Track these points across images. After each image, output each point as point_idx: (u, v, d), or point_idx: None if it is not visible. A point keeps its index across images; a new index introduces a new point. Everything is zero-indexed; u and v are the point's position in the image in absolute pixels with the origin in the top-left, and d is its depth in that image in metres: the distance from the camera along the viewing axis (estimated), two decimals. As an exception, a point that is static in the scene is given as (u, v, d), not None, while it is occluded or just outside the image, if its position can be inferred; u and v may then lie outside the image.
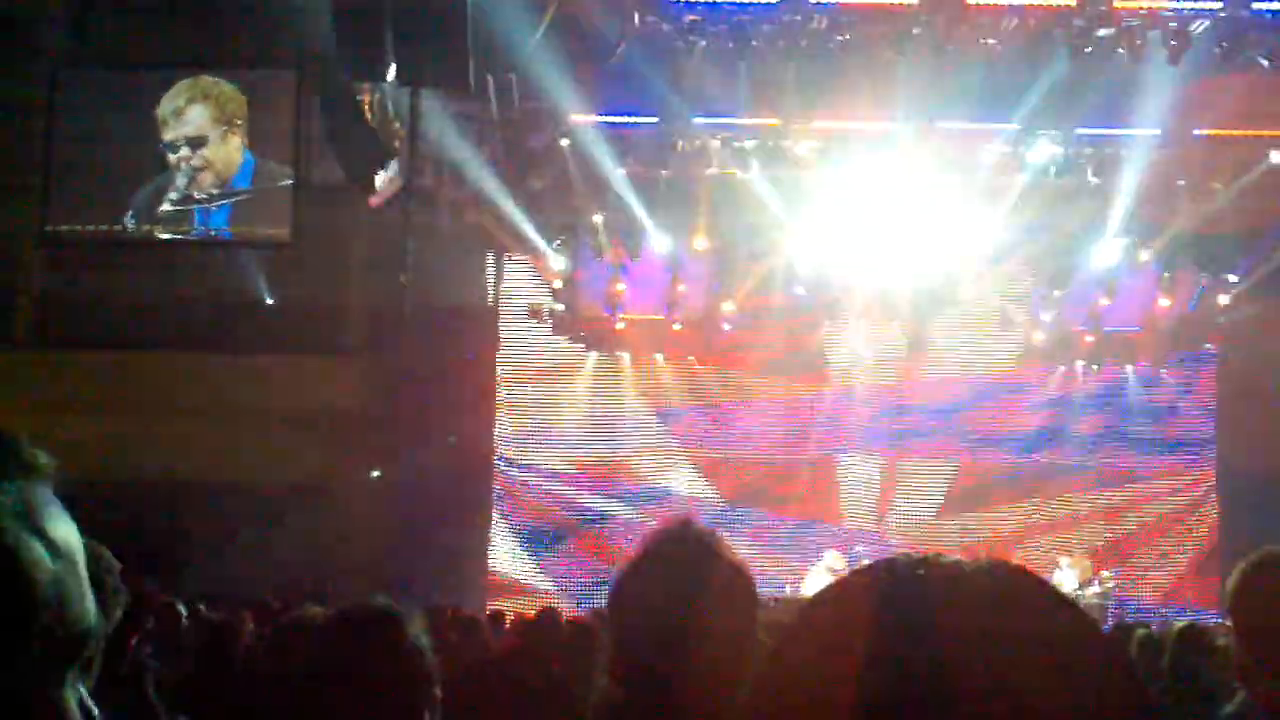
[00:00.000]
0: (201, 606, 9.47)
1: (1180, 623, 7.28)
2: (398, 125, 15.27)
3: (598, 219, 19.11)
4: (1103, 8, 14.86)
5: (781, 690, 0.83)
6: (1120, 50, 15.01)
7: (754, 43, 15.05)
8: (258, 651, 5.64)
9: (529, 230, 18.81)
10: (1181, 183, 18.41)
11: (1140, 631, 8.19)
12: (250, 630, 7.64)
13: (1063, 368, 21.16)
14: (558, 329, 20.77)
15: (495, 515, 20.07)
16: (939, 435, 20.46)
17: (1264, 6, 14.76)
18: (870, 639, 0.80)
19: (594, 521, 20.33)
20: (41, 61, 18.01)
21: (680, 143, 18.14)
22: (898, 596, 0.83)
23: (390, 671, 2.22)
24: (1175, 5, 14.81)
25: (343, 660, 2.24)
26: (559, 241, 19.54)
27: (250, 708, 5.03)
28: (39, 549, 1.03)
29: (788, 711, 0.82)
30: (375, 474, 17.38)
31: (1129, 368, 21.17)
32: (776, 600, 14.28)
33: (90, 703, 1.05)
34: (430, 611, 11.23)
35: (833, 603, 0.86)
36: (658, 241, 19.28)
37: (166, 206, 17.29)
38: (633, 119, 17.86)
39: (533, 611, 10.04)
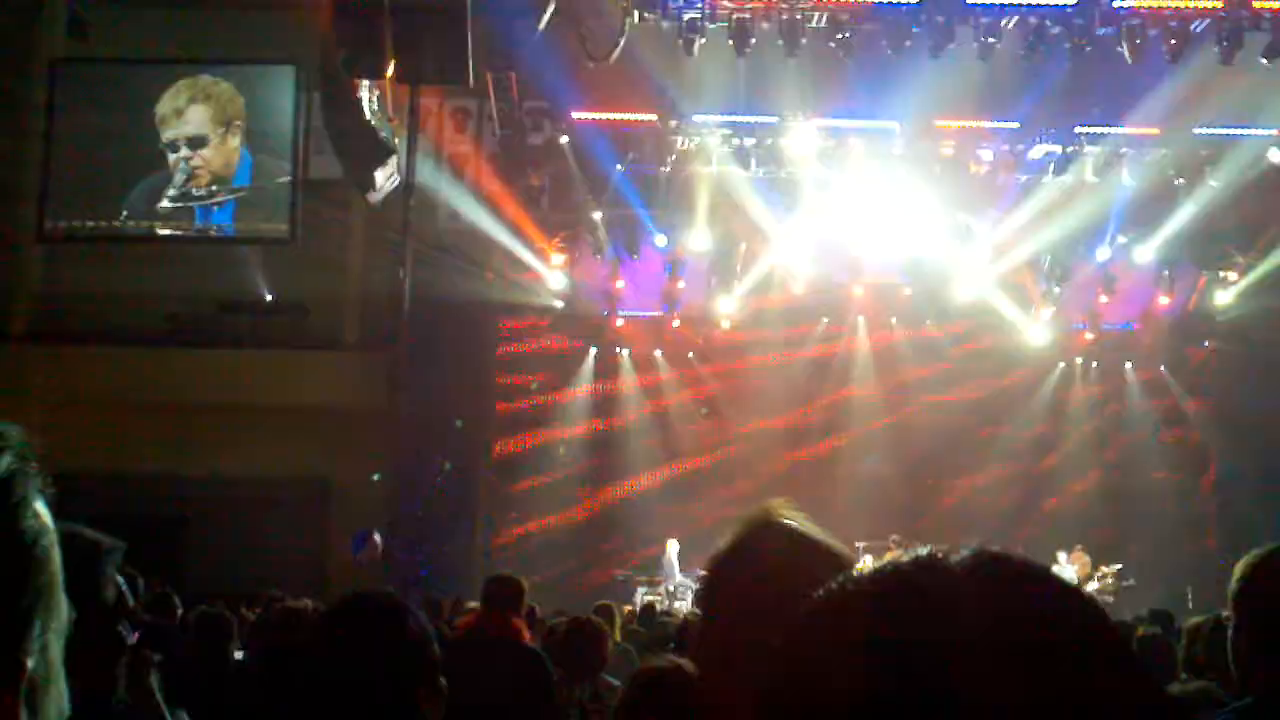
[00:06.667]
0: (204, 600, 9.48)
1: (1197, 618, 7.25)
2: (397, 122, 15.25)
3: (597, 216, 19.11)
4: (1103, 6, 14.86)
5: (788, 690, 0.83)
6: (1120, 49, 15.01)
7: (753, 40, 15.04)
8: (257, 642, 5.65)
9: (528, 227, 18.81)
10: (1180, 181, 18.43)
11: (1141, 627, 8.18)
12: (251, 622, 7.65)
13: (1062, 365, 21.18)
14: (557, 326, 20.77)
15: (493, 511, 20.03)
16: (937, 433, 20.44)
17: (1263, 5, 14.75)
18: (874, 637, 0.80)
19: (593, 517, 20.33)
20: (40, 59, 18.00)
21: (680, 140, 18.14)
22: (901, 594, 0.83)
23: (393, 658, 2.22)
24: (1175, 3, 14.80)
25: (345, 647, 2.25)
26: (559, 239, 19.53)
27: (250, 697, 5.03)
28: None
29: (795, 712, 0.82)
30: (375, 477, 17.33)
31: (1128, 365, 21.21)
32: None
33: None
34: (430, 603, 11.25)
35: (838, 602, 0.86)
36: (657, 239, 19.30)
37: (165, 204, 17.29)
38: (632, 116, 17.86)
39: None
